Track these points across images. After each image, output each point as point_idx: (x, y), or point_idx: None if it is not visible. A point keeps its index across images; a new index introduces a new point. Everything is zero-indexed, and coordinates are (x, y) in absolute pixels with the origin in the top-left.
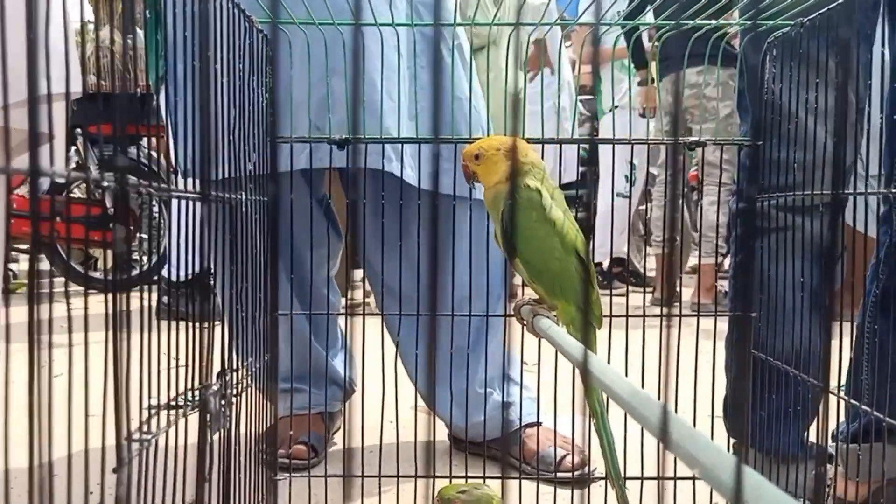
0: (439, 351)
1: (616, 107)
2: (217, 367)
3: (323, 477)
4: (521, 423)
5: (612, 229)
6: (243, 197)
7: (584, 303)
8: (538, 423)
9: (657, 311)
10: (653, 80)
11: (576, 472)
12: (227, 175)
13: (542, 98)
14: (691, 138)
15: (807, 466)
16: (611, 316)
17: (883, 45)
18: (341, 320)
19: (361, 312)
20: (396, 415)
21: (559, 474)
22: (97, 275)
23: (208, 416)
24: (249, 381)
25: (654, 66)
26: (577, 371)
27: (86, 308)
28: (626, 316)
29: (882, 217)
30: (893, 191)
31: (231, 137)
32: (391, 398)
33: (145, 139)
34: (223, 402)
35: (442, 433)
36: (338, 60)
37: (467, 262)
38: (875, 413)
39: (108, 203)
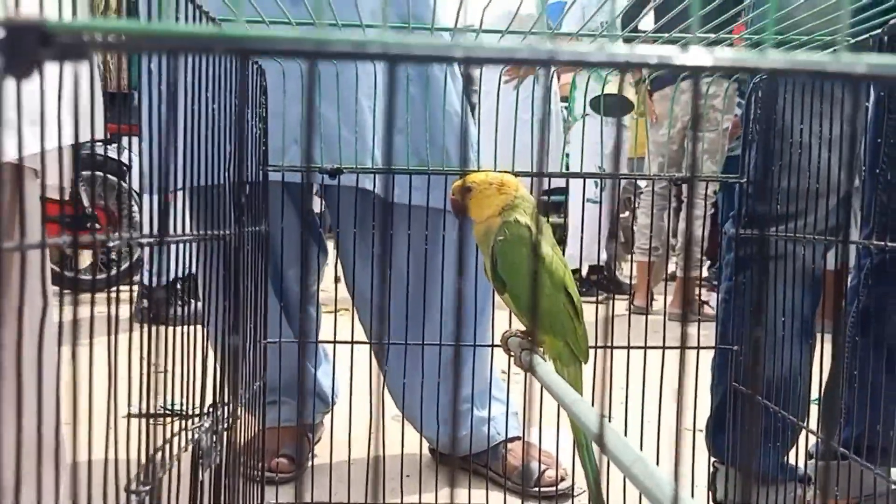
0: (424, 370)
1: (587, 114)
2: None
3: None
4: (507, 436)
5: (582, 236)
6: (228, 232)
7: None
8: (520, 438)
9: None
10: (648, 91)
11: (555, 487)
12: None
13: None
14: (677, 175)
15: (786, 488)
16: (595, 323)
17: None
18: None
19: (350, 341)
20: (372, 432)
21: (540, 489)
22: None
23: (200, 453)
24: (240, 413)
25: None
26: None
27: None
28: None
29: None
30: (876, 242)
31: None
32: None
33: (125, 139)
34: (214, 439)
35: (425, 448)
36: (329, 89)
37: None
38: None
39: (85, 202)
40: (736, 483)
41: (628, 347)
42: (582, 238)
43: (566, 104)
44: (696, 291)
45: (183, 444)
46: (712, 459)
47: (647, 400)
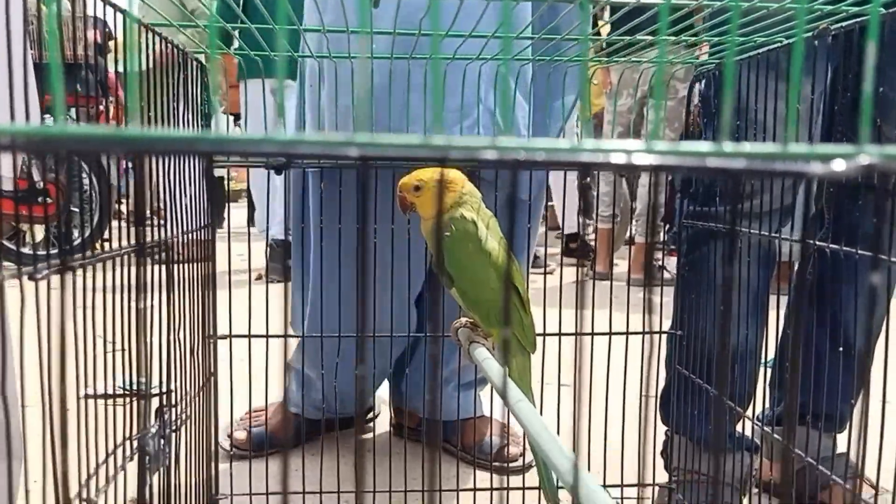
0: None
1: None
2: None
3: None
4: (459, 416)
5: (565, 204)
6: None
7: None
8: (487, 416)
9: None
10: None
11: (515, 462)
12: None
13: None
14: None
15: (734, 456)
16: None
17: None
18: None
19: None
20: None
21: (496, 463)
22: (27, 251)
23: (147, 458)
24: (188, 414)
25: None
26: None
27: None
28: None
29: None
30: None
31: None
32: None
33: (73, 110)
34: (163, 442)
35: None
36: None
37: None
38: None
39: (36, 177)
40: (686, 451)
41: (592, 334)
42: (564, 207)
43: None
44: (656, 255)
45: (128, 454)
46: (664, 429)
47: (611, 377)
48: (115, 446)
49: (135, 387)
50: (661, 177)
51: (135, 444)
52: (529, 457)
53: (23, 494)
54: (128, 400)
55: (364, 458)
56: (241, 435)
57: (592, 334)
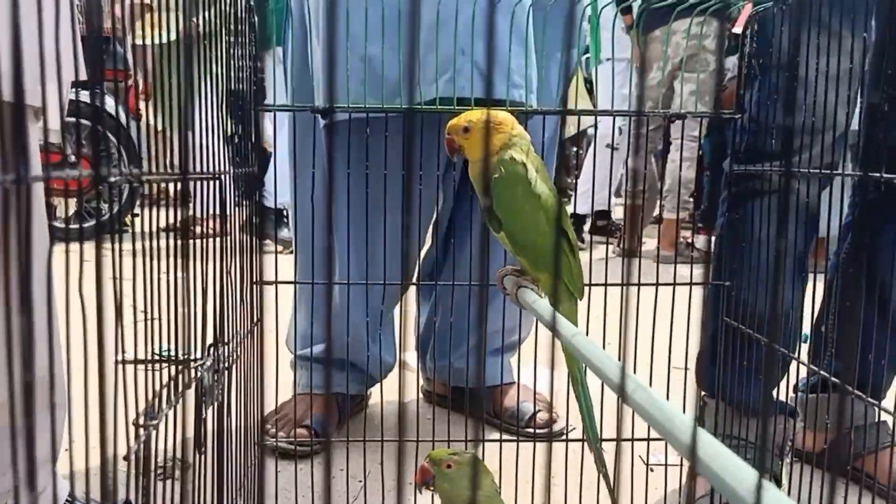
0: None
1: (608, 58)
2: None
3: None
4: (501, 381)
5: (595, 181)
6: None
7: (556, 270)
8: (514, 383)
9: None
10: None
11: (548, 429)
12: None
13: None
14: (671, 111)
15: (775, 420)
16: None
17: (865, 31)
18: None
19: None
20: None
21: (530, 430)
22: (58, 224)
23: (203, 391)
24: (239, 354)
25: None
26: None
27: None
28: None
29: (853, 186)
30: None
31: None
32: None
33: (105, 84)
34: (216, 377)
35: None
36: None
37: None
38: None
39: (68, 150)
40: (725, 416)
41: (623, 285)
42: (594, 184)
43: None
44: (684, 234)
45: (186, 381)
46: (702, 394)
47: (639, 337)
48: (170, 378)
49: (173, 354)
50: (692, 152)
51: (191, 373)
52: (562, 423)
53: (67, 444)
54: (165, 366)
55: (405, 407)
56: (303, 430)
57: (639, 284)
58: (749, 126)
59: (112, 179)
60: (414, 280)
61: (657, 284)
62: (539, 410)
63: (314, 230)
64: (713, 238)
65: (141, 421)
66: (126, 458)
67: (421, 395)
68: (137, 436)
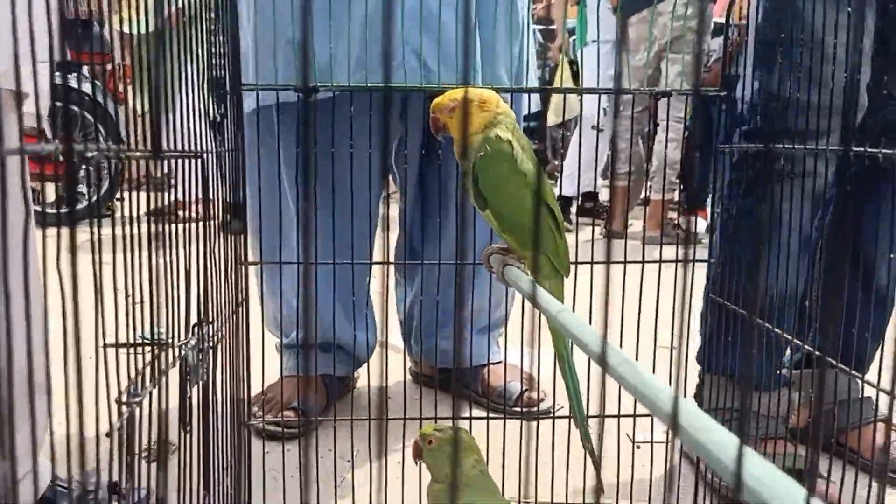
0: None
1: (594, 40)
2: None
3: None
4: (489, 361)
5: (580, 163)
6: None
7: (534, 247)
8: (502, 362)
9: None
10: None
11: (536, 407)
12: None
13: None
14: (657, 89)
15: (779, 393)
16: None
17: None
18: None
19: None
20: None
21: (517, 409)
22: (37, 208)
23: (187, 369)
24: (224, 334)
25: None
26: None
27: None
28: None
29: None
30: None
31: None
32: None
33: (86, 67)
34: (200, 357)
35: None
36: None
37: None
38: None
39: (49, 135)
40: (722, 388)
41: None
42: (579, 166)
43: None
44: (671, 215)
45: (170, 360)
46: (697, 370)
47: (625, 317)
48: (154, 356)
49: (156, 337)
50: (678, 133)
51: (175, 352)
52: (549, 402)
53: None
54: (149, 350)
55: (388, 386)
56: (290, 413)
57: (625, 263)
58: (761, 105)
59: (89, 155)
60: (392, 260)
61: (643, 262)
62: (526, 389)
63: (261, 211)
64: (698, 218)
65: (124, 398)
66: (108, 434)
67: (409, 376)
68: (120, 413)
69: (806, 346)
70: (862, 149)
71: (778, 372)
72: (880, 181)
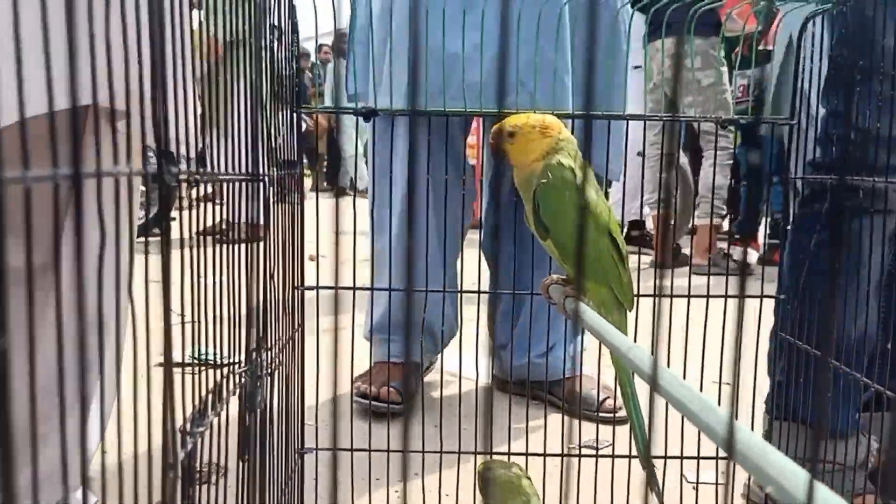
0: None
1: (636, 66)
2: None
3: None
4: (564, 373)
5: (624, 190)
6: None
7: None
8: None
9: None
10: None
11: (613, 413)
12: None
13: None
14: (720, 118)
15: (857, 440)
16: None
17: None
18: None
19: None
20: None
21: (603, 414)
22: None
23: (246, 397)
24: (281, 360)
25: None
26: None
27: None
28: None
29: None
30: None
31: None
32: None
33: None
34: (258, 384)
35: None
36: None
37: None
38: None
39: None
40: (797, 437)
41: (671, 296)
42: (624, 193)
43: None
44: (721, 244)
45: (231, 387)
46: (766, 416)
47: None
48: (215, 385)
49: (208, 358)
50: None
51: (235, 379)
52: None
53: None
54: (199, 370)
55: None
56: (385, 390)
57: (672, 296)
58: (836, 135)
59: (166, 177)
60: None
61: (707, 297)
62: (607, 398)
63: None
64: (755, 250)
65: (188, 428)
66: (172, 466)
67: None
68: (184, 444)
69: (875, 386)
70: None
71: (859, 417)
72: None
